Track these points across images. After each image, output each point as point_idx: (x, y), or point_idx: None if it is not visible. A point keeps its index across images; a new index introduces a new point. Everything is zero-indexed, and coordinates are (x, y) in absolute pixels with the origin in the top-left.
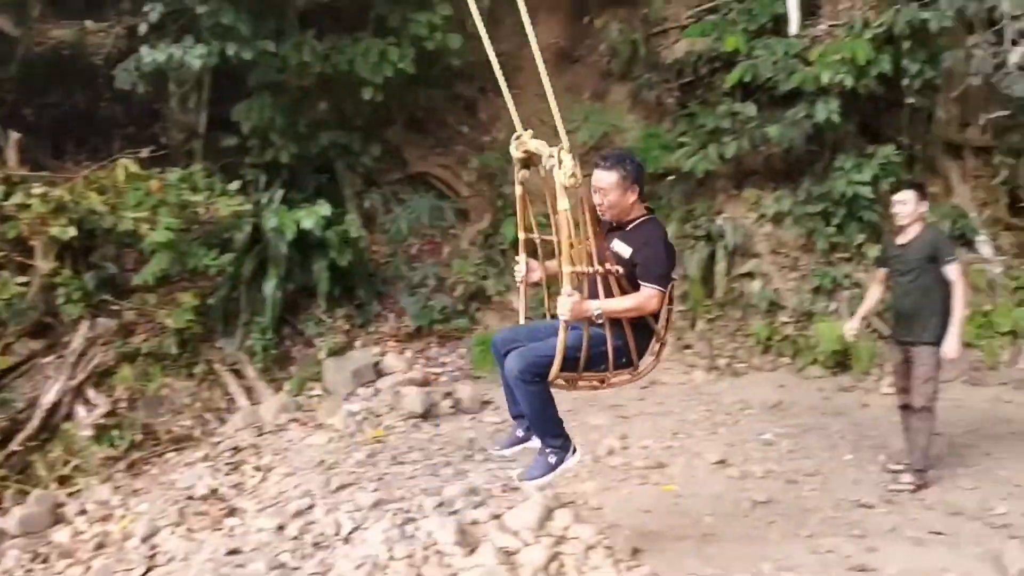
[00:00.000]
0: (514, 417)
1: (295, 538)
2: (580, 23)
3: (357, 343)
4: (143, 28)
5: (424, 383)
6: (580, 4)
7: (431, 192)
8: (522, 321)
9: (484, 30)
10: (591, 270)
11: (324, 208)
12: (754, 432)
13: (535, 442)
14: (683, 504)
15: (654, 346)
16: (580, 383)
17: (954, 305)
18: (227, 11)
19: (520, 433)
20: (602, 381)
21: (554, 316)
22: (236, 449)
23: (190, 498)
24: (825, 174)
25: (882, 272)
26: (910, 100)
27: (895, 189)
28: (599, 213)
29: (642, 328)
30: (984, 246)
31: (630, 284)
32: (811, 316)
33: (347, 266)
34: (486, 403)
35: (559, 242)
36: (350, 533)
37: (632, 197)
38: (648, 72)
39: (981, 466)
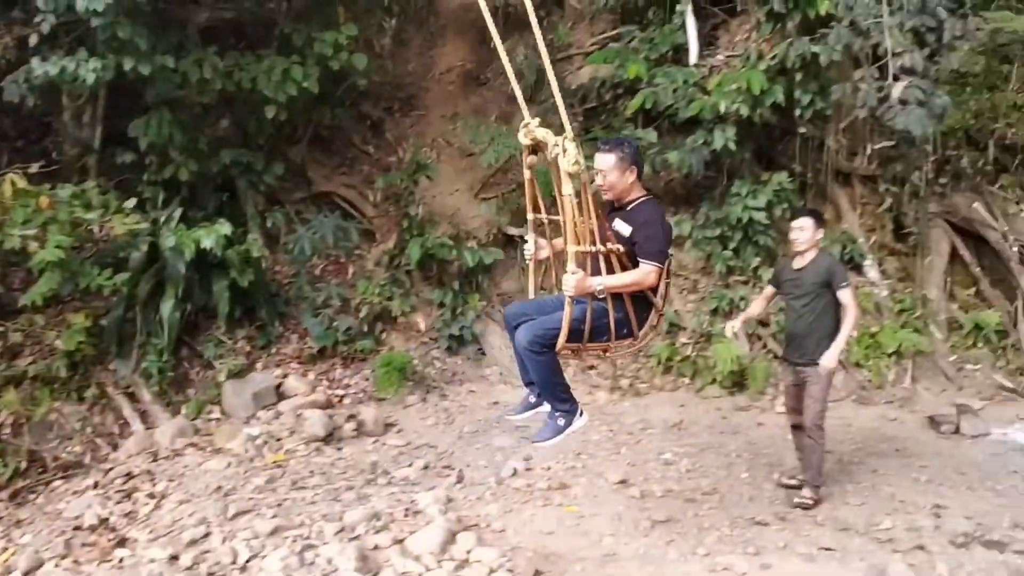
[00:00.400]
0: (526, 384)
1: (189, 568)
2: (486, 47)
3: (258, 365)
4: (34, 39)
5: (327, 406)
6: (486, 29)
7: (336, 212)
8: (531, 296)
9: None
10: (593, 249)
11: (225, 227)
12: (655, 452)
13: (545, 407)
14: (584, 525)
15: (653, 317)
16: (584, 353)
17: (843, 324)
18: (124, 25)
19: (532, 399)
20: (605, 351)
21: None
22: (129, 476)
23: (78, 528)
24: (723, 199)
25: (770, 290)
26: (802, 129)
27: (793, 216)
28: (601, 194)
29: (642, 301)
30: (871, 270)
31: (630, 261)
32: (709, 337)
33: (248, 286)
34: (390, 425)
35: (564, 223)
36: (247, 562)
37: (631, 178)
38: (552, 97)
39: (868, 482)
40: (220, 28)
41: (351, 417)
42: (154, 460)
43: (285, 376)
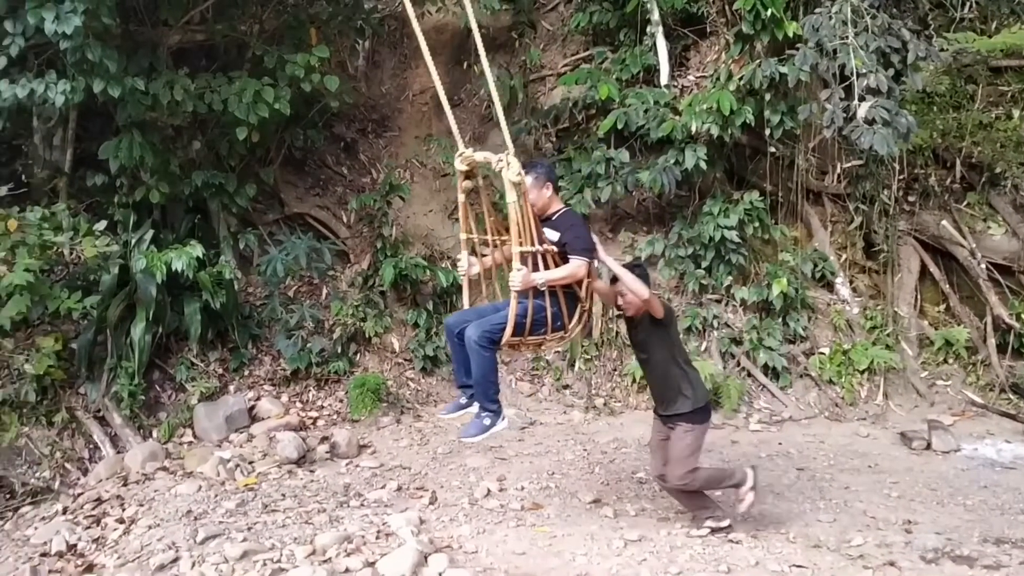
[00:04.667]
0: (459, 387)
1: None
2: (460, 68)
3: (231, 387)
4: (2, 62)
5: (300, 428)
6: (460, 50)
7: (309, 233)
8: (466, 306)
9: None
10: (533, 249)
11: (196, 249)
12: (629, 471)
13: (474, 408)
14: (557, 545)
15: (580, 312)
16: (522, 348)
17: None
18: (93, 47)
19: (463, 401)
20: (539, 344)
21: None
22: (98, 501)
23: (45, 555)
24: (695, 218)
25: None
26: (772, 149)
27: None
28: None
29: (572, 297)
30: (843, 288)
31: (563, 260)
32: None
33: (221, 308)
34: (363, 447)
35: (508, 228)
36: None
37: (548, 192)
38: (526, 117)
39: (840, 499)
40: (191, 50)
41: (324, 439)
42: (124, 485)
43: (258, 398)
